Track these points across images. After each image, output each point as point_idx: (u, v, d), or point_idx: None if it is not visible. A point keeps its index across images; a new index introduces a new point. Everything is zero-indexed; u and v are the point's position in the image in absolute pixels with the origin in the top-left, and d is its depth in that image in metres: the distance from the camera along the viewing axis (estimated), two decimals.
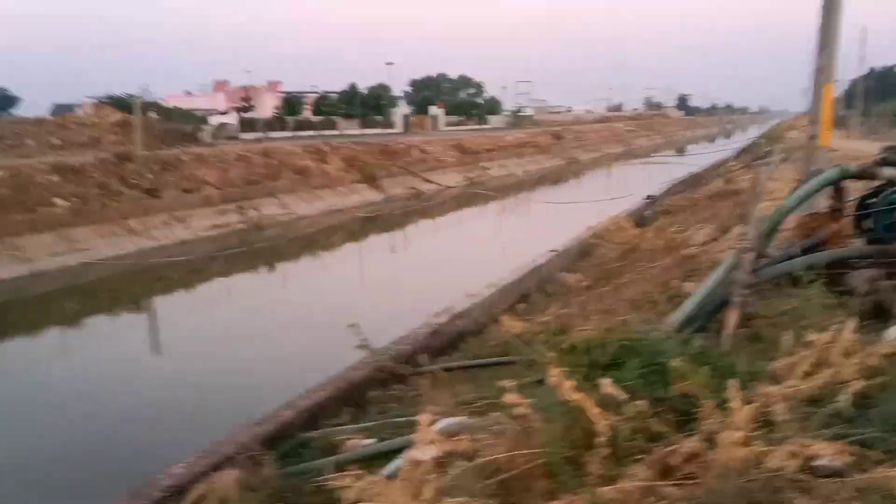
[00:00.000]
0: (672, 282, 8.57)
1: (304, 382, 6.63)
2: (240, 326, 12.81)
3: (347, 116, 58.42)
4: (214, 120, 46.08)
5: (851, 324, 3.38)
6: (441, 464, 3.42)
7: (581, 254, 14.62)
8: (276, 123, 49.77)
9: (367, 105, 62.34)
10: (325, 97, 63.46)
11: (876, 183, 6.74)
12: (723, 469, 2.72)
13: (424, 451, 3.36)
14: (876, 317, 5.54)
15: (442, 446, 3.35)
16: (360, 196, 29.54)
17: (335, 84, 68.51)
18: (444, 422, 4.43)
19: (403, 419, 5.60)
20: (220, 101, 65.38)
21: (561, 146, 55.65)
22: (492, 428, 3.54)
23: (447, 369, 6.75)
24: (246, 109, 52.83)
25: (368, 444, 5.16)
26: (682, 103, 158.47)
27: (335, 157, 30.67)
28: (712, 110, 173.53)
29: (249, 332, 12.19)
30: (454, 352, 8.26)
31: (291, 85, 70.68)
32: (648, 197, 21.71)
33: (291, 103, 57.87)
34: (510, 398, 3.16)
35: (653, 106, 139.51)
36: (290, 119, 52.75)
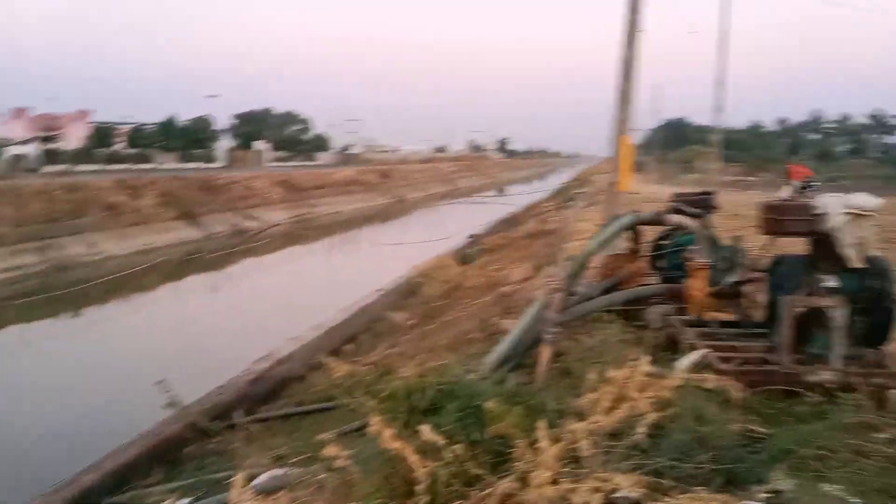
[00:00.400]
0: (492, 319, 8.93)
1: (111, 443, 6.09)
2: (34, 384, 11.48)
3: (165, 150, 55.42)
4: (12, 150, 41.64)
5: (646, 359, 3.70)
6: None
7: (407, 292, 14.84)
8: (84, 155, 45.98)
9: (187, 138, 59.49)
10: (140, 129, 59.80)
11: (667, 227, 7.53)
12: None
13: None
14: (669, 349, 6.15)
15: (260, 502, 3.22)
16: (178, 234, 28.00)
17: (152, 115, 64.66)
18: (264, 476, 4.26)
19: (223, 474, 5.32)
20: (18, 130, 59.33)
21: (389, 185, 56.47)
22: (312, 481, 3.46)
23: (267, 419, 6.52)
24: (49, 139, 48.37)
25: None
26: (503, 146, 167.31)
27: (150, 192, 28.90)
28: (529, 153, 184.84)
29: (47, 390, 10.96)
30: (277, 399, 8.01)
31: (103, 115, 65.85)
32: (471, 236, 22.55)
33: (103, 134, 53.78)
34: (330, 450, 3.11)
35: (475, 148, 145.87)
36: (101, 151, 48.98)
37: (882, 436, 4.23)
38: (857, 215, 4.91)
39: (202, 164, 53.95)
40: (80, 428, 8.78)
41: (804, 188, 6.20)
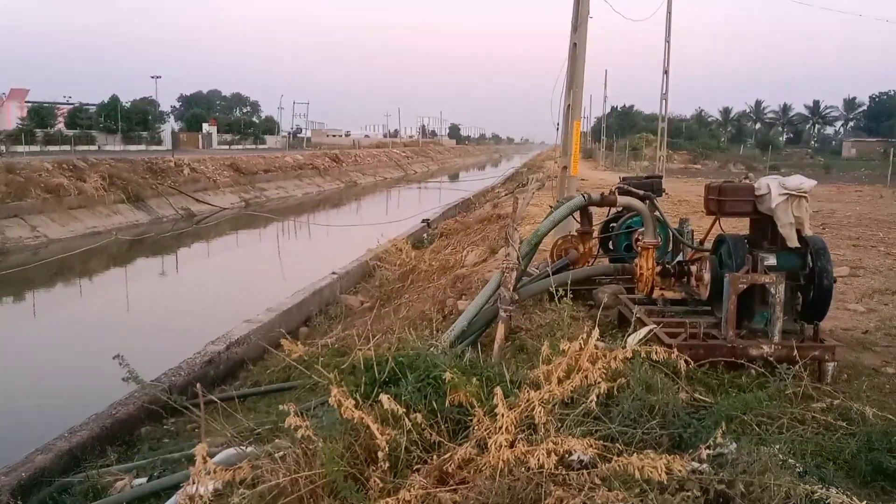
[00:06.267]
0: (447, 300, 9.04)
1: (64, 423, 5.99)
2: None
3: (108, 131, 53.77)
4: None
5: (596, 333, 3.84)
6: (222, 496, 3.32)
7: (362, 275, 14.84)
8: (21, 136, 44.26)
9: (131, 120, 57.78)
10: (81, 109, 57.86)
11: (616, 209, 7.74)
12: (492, 471, 2.96)
13: (202, 485, 3.23)
14: (619, 326, 6.35)
15: (221, 477, 3.25)
16: (124, 217, 27.30)
17: (94, 96, 62.63)
18: (225, 453, 4.29)
19: (178, 454, 5.31)
20: None
21: (340, 169, 55.99)
22: (274, 454, 3.51)
23: (226, 399, 6.49)
24: None
25: (139, 483, 4.81)
26: (454, 132, 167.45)
27: (94, 174, 28.04)
28: (481, 140, 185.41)
29: None
30: (233, 380, 7.98)
31: (41, 94, 63.46)
32: (424, 221, 22.60)
33: (41, 115, 51.79)
34: (291, 420, 3.16)
35: (428, 134, 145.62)
36: (39, 132, 47.21)
37: (818, 405, 4.49)
38: (794, 196, 5.15)
39: (147, 147, 52.58)
40: (26, 411, 8.59)
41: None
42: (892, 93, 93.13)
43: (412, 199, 41.22)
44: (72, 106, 59.16)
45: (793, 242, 5.23)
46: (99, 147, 47.03)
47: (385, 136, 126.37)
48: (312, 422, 3.36)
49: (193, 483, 3.19)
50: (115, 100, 58.51)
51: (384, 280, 13.16)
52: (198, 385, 3.81)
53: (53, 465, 5.18)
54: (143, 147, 51.94)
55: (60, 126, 52.91)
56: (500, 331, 5.68)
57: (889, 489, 3.46)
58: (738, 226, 5.70)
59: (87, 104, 59.96)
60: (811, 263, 5.35)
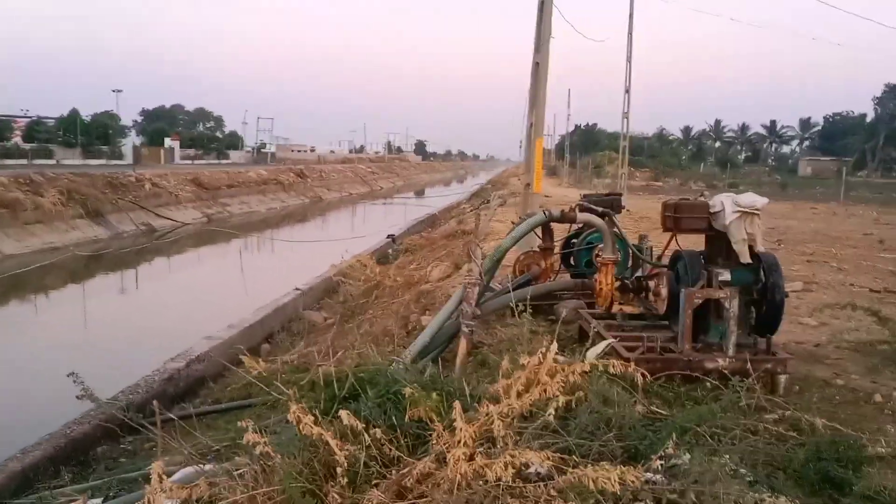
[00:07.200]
0: (411, 316, 9.05)
1: (16, 443, 5.83)
2: None
3: (67, 145, 52.80)
4: None
5: (554, 347, 3.89)
6: None
7: (326, 291, 14.76)
8: None
9: (91, 134, 56.83)
10: (39, 123, 56.77)
11: (577, 225, 7.86)
12: (451, 485, 2.98)
13: None
14: (580, 340, 6.43)
15: (178, 495, 3.21)
16: (83, 232, 26.74)
17: (53, 109, 61.56)
18: (182, 472, 4.22)
19: (135, 473, 5.21)
20: None
21: (305, 184, 55.69)
22: (232, 472, 3.48)
23: (184, 417, 6.40)
24: None
25: (94, 503, 4.71)
26: (420, 148, 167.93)
27: (52, 189, 27.44)
28: (447, 156, 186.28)
29: None
30: (193, 398, 7.86)
31: None
32: (389, 236, 22.61)
33: None
34: (249, 437, 3.15)
35: (394, 150, 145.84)
36: None
37: (770, 416, 4.61)
38: (747, 213, 5.30)
39: (108, 161, 51.72)
40: None
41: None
42: (846, 114, 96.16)
43: (378, 215, 41.17)
44: (29, 119, 57.98)
45: (745, 258, 5.37)
46: (57, 161, 46.09)
47: (351, 151, 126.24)
48: (271, 438, 3.34)
49: (149, 502, 3.14)
50: (74, 113, 57.55)
51: (348, 296, 13.12)
52: (154, 402, 3.76)
53: (5, 487, 5.05)
54: (103, 161, 51.03)
55: (17, 139, 51.80)
56: (463, 346, 5.72)
57: (836, 497, 3.56)
58: (699, 241, 5.83)
59: (46, 117, 58.85)
60: (764, 279, 5.50)
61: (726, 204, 5.37)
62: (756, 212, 5.33)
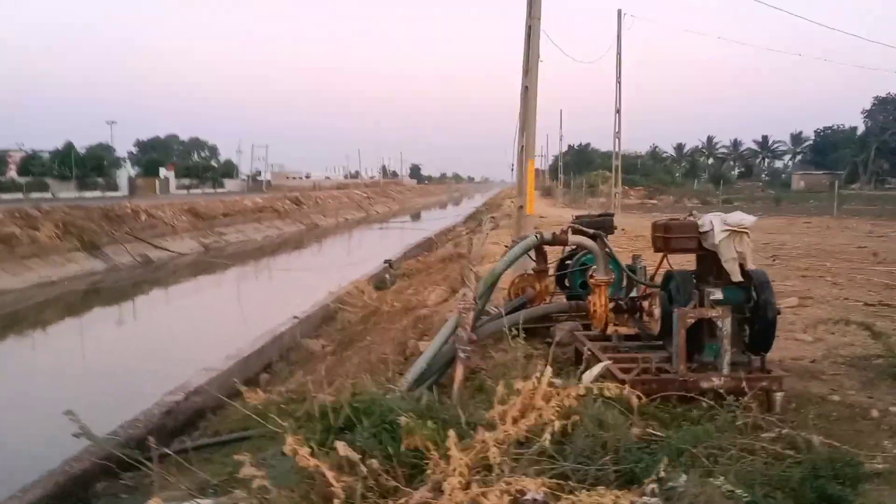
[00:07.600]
0: (409, 341, 9.05)
1: (16, 481, 5.81)
2: None
3: (63, 178, 52.91)
4: None
5: (549, 371, 3.91)
6: None
7: (324, 319, 14.77)
8: None
9: (87, 166, 56.97)
10: (35, 156, 56.93)
11: (570, 247, 7.90)
12: None
13: None
14: (576, 362, 6.44)
15: None
16: (80, 265, 26.76)
17: (48, 142, 61.82)
18: None
19: None
20: None
21: (301, 211, 55.83)
22: None
23: (183, 450, 6.38)
24: None
25: None
26: (415, 172, 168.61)
27: (48, 222, 27.50)
28: (443, 179, 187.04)
29: None
30: (193, 430, 7.84)
31: None
32: (386, 261, 22.64)
33: None
34: (246, 471, 3.16)
35: (389, 174, 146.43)
36: None
37: (767, 434, 4.62)
38: (736, 232, 5.35)
39: (104, 193, 51.83)
40: None
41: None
42: (836, 127, 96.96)
43: (374, 240, 41.25)
44: (24, 153, 58.20)
45: (736, 277, 5.41)
46: (53, 194, 46.20)
47: (346, 177, 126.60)
48: (269, 471, 3.35)
49: None
50: (69, 146, 57.75)
51: (346, 323, 13.13)
52: (149, 438, 3.77)
53: None
54: (98, 193, 51.15)
55: (12, 173, 51.95)
56: (459, 372, 5.72)
57: None
58: (691, 261, 5.87)
59: (41, 151, 59.05)
60: (755, 296, 5.53)
61: (715, 223, 5.43)
62: (745, 230, 5.39)
